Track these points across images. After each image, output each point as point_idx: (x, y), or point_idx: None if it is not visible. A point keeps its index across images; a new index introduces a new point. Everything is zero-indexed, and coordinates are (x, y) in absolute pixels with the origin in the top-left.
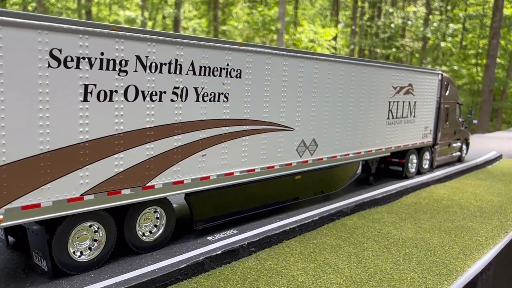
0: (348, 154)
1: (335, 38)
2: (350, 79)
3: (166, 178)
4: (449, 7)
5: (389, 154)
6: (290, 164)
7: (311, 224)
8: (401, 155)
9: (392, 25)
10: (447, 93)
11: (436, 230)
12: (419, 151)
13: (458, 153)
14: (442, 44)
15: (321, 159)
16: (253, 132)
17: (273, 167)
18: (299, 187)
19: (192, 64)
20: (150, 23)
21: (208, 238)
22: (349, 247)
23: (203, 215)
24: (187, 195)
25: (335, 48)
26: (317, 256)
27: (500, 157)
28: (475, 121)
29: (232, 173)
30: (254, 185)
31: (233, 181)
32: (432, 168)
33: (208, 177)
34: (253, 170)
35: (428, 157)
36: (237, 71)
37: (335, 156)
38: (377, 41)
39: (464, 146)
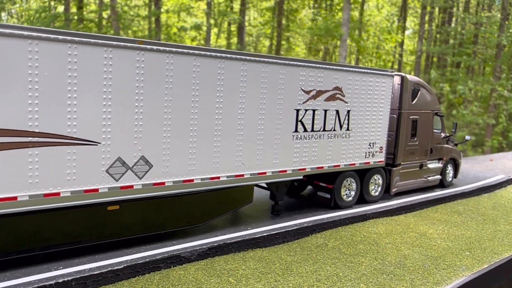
0: (217, 177)
1: (401, 45)
2: (214, 77)
3: None
4: None
5: (301, 177)
6: (96, 190)
7: (108, 277)
8: (331, 178)
9: (463, 31)
10: (414, 101)
11: None
12: (362, 173)
13: (438, 177)
14: None
15: (162, 183)
16: (6, 146)
17: (57, 194)
18: (120, 221)
19: None
20: (215, 29)
21: None
22: None
23: None
24: None
25: (401, 55)
26: None
27: (508, 182)
28: (467, 137)
29: None
30: (20, 218)
31: None
32: (390, 194)
33: None
34: (14, 198)
35: (380, 182)
36: None
37: (191, 180)
38: (445, 48)
39: (449, 168)
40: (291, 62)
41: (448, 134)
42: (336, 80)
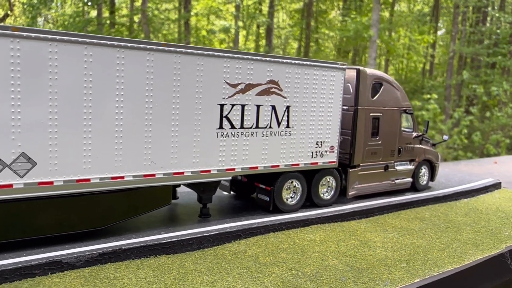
0: (121, 177)
1: (434, 46)
2: (113, 68)
3: None
4: None
5: (229, 178)
6: None
7: None
8: (272, 180)
9: (498, 31)
10: (376, 97)
11: None
12: (311, 175)
13: (408, 180)
14: None
15: (49, 183)
16: None
17: None
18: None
19: None
20: (244, 32)
21: None
22: None
23: None
24: None
25: (432, 56)
26: None
27: (495, 186)
28: (445, 137)
29: None
30: None
31: None
32: (347, 198)
33: None
34: None
35: (334, 184)
36: None
37: (87, 180)
38: (479, 48)
39: (423, 170)
40: (210, 53)
41: (420, 133)
42: (271, 73)
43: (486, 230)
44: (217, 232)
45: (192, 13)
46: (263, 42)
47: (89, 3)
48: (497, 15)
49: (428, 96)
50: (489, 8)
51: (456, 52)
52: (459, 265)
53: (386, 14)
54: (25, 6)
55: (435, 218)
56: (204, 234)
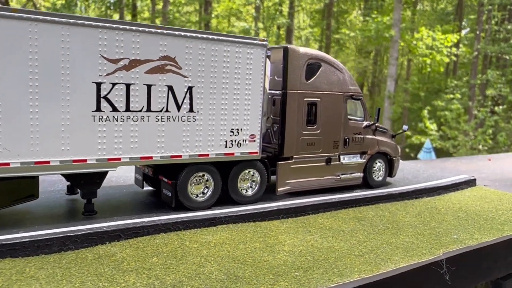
0: None
1: (457, 45)
2: None
3: None
4: None
5: (114, 169)
6: None
7: None
8: (176, 172)
9: None
10: (312, 80)
11: None
12: (227, 167)
13: (358, 175)
14: None
15: None
16: None
17: None
18: None
19: None
20: (264, 33)
21: None
22: None
23: None
24: None
25: (456, 55)
26: None
27: (469, 183)
28: (405, 127)
29: None
30: None
31: None
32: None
33: None
34: None
35: (258, 178)
36: None
37: None
38: (505, 47)
39: (378, 164)
40: (78, 22)
41: (371, 122)
42: (165, 48)
43: (431, 233)
44: (87, 231)
45: (212, 15)
46: (283, 43)
47: (112, 7)
48: None
49: (451, 96)
50: None
51: (480, 51)
52: (369, 275)
53: (408, 13)
54: (49, 10)
55: (377, 218)
56: (69, 234)
